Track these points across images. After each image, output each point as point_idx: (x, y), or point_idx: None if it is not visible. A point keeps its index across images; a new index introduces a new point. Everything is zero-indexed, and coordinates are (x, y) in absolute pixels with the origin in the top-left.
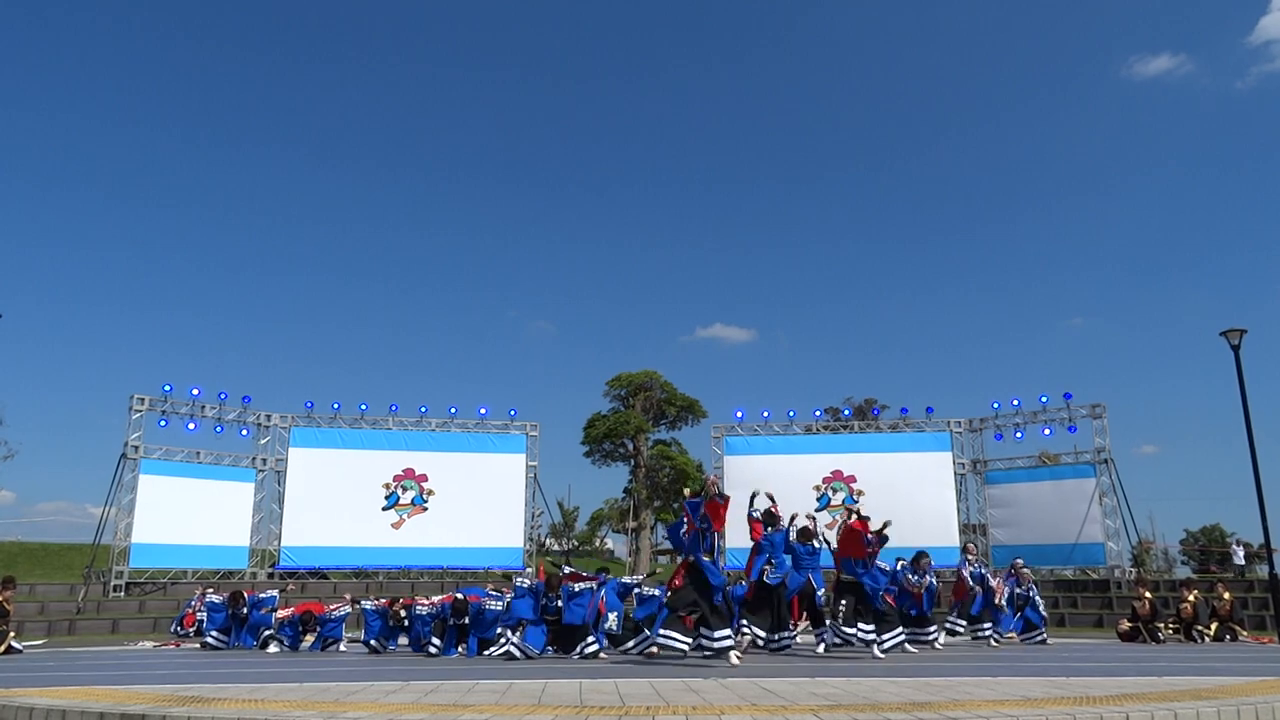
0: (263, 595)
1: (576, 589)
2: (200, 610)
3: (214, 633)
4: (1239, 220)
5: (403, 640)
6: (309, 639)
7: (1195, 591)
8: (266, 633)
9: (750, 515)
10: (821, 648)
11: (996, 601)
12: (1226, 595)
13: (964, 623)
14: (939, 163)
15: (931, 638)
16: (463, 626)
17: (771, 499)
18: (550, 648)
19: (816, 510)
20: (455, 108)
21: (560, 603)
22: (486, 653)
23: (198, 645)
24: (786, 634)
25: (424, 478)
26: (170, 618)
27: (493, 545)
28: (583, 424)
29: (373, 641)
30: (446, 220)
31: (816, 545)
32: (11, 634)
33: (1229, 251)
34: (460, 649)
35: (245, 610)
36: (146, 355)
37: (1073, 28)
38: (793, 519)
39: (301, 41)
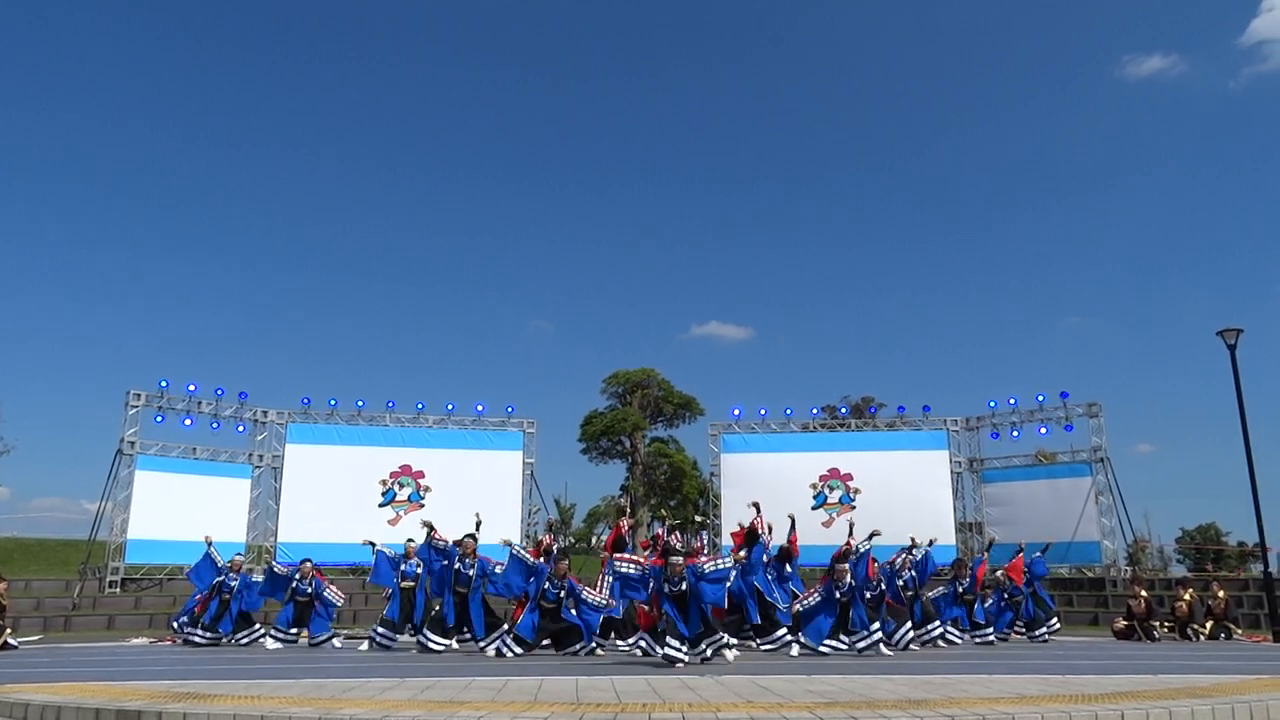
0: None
1: (588, 598)
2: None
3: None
4: (1236, 220)
5: (407, 639)
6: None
7: (1190, 590)
8: (259, 630)
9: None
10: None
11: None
12: (1221, 594)
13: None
14: (939, 163)
15: (936, 634)
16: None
17: (757, 506)
18: (544, 641)
19: (812, 508)
20: (455, 108)
21: (562, 593)
22: (480, 645)
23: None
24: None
25: (421, 474)
26: (166, 614)
27: (490, 542)
28: (580, 421)
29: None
30: (446, 219)
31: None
32: (8, 630)
33: (1226, 251)
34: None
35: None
36: (143, 351)
37: (1071, 27)
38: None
39: (301, 41)
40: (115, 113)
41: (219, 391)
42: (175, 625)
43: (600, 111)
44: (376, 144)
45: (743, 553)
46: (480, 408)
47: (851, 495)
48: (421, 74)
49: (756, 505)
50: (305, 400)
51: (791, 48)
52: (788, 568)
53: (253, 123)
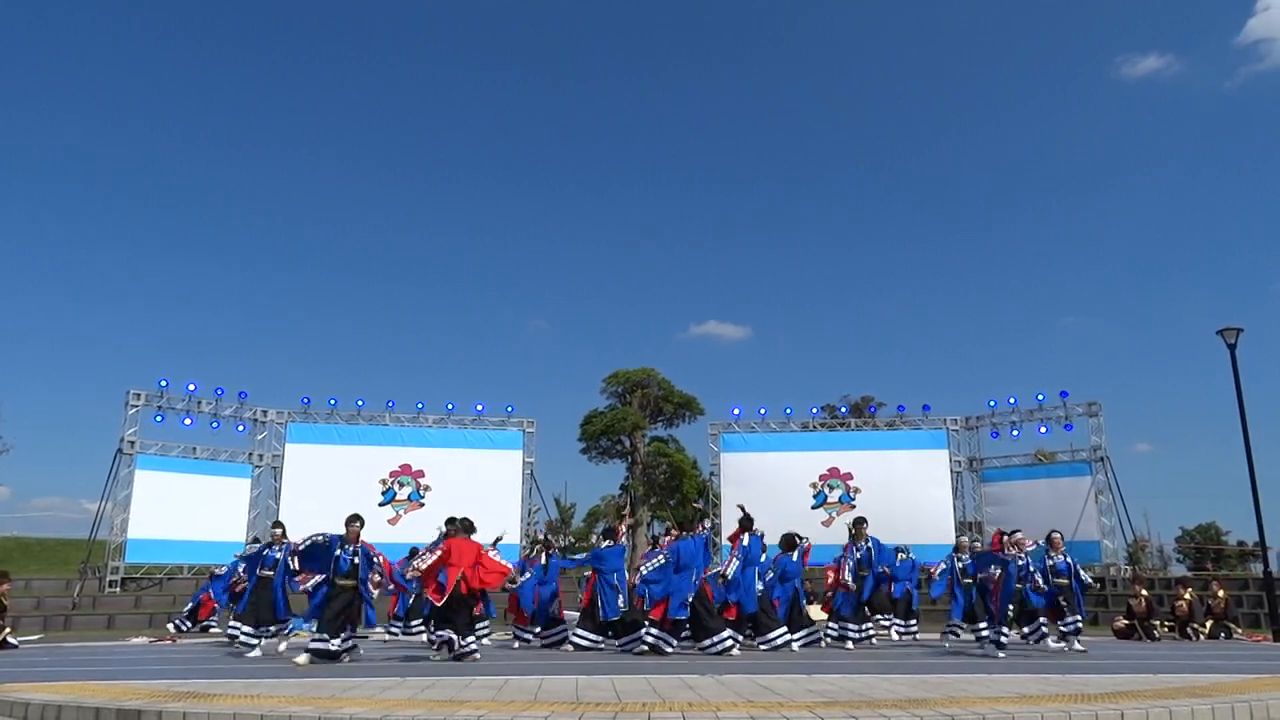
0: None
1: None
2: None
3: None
4: (1235, 220)
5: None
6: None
7: (1190, 589)
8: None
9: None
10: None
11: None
12: (1221, 593)
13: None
14: (939, 163)
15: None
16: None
17: (742, 508)
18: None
19: (812, 508)
20: (455, 108)
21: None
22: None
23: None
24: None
25: (420, 474)
26: (166, 613)
27: (489, 541)
28: (579, 421)
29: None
30: (446, 219)
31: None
32: (8, 629)
33: (1225, 251)
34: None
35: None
36: (143, 351)
37: (1069, 28)
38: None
39: (301, 41)
40: (115, 113)
41: (219, 391)
42: (183, 625)
43: (600, 111)
44: (376, 144)
45: (745, 538)
46: (480, 407)
47: (851, 495)
48: (421, 74)
49: (742, 507)
50: (305, 400)
51: (791, 48)
52: (793, 555)
53: (253, 123)
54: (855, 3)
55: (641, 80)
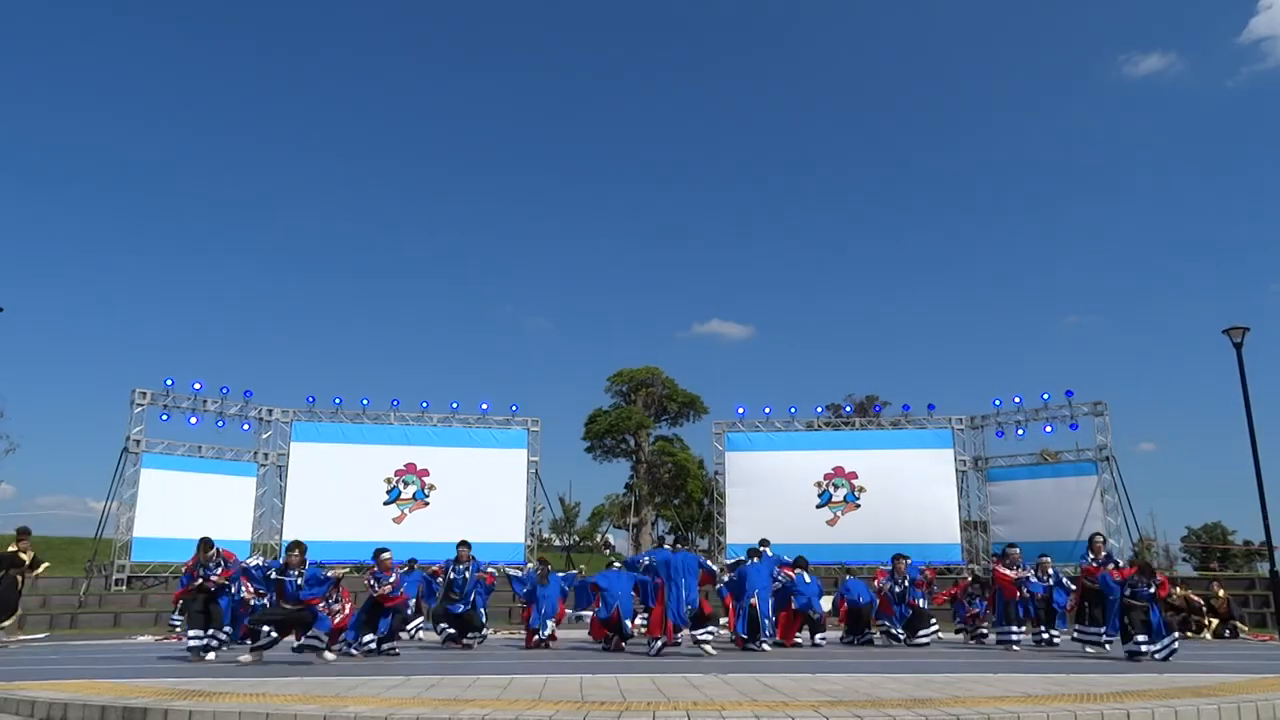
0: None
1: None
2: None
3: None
4: (1235, 220)
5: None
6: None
7: (1190, 590)
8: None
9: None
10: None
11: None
12: (1221, 593)
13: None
14: (939, 163)
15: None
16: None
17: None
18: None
19: (817, 507)
20: (455, 108)
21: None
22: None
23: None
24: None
25: (425, 472)
26: (172, 612)
27: (494, 540)
28: (584, 420)
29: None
30: (446, 219)
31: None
32: (20, 612)
33: (1227, 250)
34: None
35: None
36: (149, 349)
37: (1071, 27)
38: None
39: (302, 41)
40: (116, 113)
41: (224, 390)
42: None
43: (600, 111)
44: (377, 143)
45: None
46: (485, 406)
47: (856, 494)
48: (421, 74)
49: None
50: (310, 398)
51: (792, 48)
52: (788, 571)
53: (254, 121)
54: (855, 3)
55: (641, 80)
